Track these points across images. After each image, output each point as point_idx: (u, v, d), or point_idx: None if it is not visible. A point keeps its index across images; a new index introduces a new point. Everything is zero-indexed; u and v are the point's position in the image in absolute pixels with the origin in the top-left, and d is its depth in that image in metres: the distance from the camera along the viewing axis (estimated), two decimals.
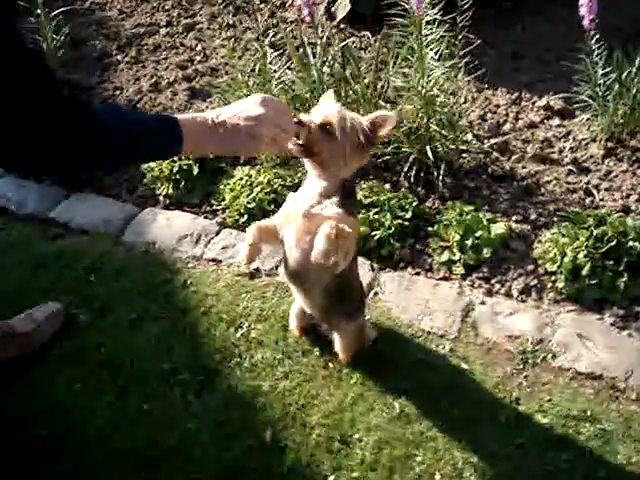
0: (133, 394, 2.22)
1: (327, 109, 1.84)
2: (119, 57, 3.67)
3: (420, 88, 2.58)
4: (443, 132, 2.70)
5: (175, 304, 2.49)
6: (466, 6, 2.50)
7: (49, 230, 2.78)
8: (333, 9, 3.73)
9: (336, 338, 2.23)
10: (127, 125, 1.54)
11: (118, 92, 3.43)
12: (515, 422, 2.12)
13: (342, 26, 3.70)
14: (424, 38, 2.49)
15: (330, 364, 2.28)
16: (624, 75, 2.80)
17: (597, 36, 2.67)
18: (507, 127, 3.09)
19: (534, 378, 2.23)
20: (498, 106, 3.21)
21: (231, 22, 3.81)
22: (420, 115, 2.70)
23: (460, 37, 2.59)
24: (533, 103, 3.21)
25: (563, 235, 2.50)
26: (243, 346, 2.34)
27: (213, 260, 2.63)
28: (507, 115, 3.16)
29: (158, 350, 2.34)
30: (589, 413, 2.11)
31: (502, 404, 2.17)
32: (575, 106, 2.96)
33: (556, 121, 3.10)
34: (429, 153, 2.70)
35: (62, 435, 2.12)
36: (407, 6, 2.43)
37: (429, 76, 2.56)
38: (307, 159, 1.88)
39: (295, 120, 1.77)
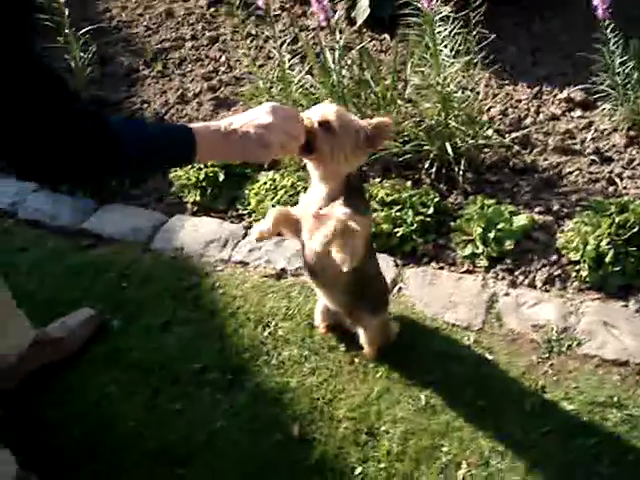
0: (165, 394, 2.28)
1: (325, 108, 1.89)
2: (146, 72, 3.78)
3: (437, 85, 2.60)
4: (463, 128, 2.71)
5: (203, 307, 2.55)
6: (478, 2, 2.53)
7: (81, 241, 2.87)
8: (353, 14, 3.78)
9: (361, 333, 2.27)
10: (140, 135, 1.60)
11: (145, 105, 3.52)
12: (541, 410, 2.12)
13: (363, 30, 3.74)
14: (437, 35, 2.52)
15: (356, 359, 2.31)
16: None
17: (613, 25, 2.66)
18: (528, 121, 3.10)
19: (560, 366, 2.23)
20: (519, 101, 3.22)
21: (253, 32, 3.88)
22: (439, 112, 2.73)
23: (475, 33, 2.61)
24: (554, 96, 3.21)
25: (585, 224, 2.50)
26: (270, 344, 2.39)
27: (240, 262, 2.69)
28: (528, 109, 3.17)
29: (188, 352, 2.40)
30: (616, 399, 2.11)
31: (528, 392, 2.17)
32: (596, 96, 2.95)
33: (578, 112, 3.10)
34: (449, 150, 2.72)
35: (96, 436, 2.19)
36: (419, 4, 2.46)
37: (445, 73, 2.59)
38: (308, 158, 1.92)
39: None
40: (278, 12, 4.09)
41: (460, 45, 2.62)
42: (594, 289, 2.41)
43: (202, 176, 2.92)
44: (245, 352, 2.38)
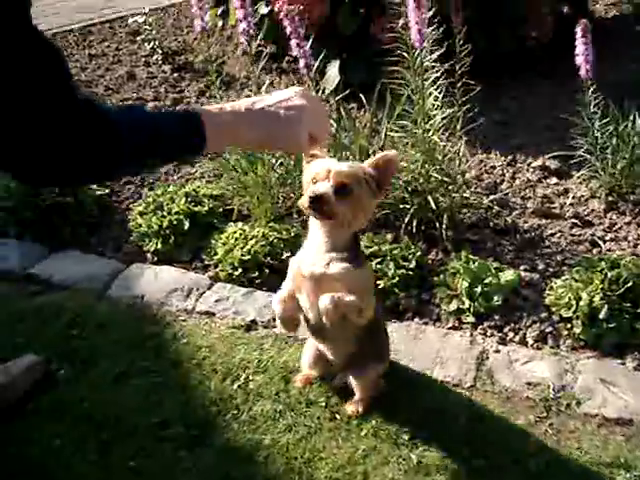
0: (118, 450, 1.98)
1: (332, 168, 1.75)
2: None
3: (421, 132, 2.52)
4: (447, 179, 2.62)
5: (164, 357, 2.28)
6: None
7: (28, 287, 2.59)
8: (321, 83, 3.74)
9: (355, 381, 2.06)
10: (140, 120, 1.41)
11: None
12: (546, 470, 1.92)
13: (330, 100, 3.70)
14: (424, 80, 2.46)
15: (337, 415, 2.08)
16: (621, 128, 2.80)
17: (593, 87, 2.67)
18: (504, 186, 3.05)
19: (560, 426, 2.05)
20: (494, 167, 3.19)
21: (219, 97, 3.78)
22: (420, 164, 2.63)
23: (459, 85, 2.57)
24: (529, 164, 3.18)
25: (576, 280, 2.39)
26: (240, 398, 2.13)
27: (206, 313, 2.46)
28: (503, 175, 3.13)
29: (146, 404, 2.11)
30: (622, 460, 1.92)
31: (529, 452, 1.97)
32: (572, 162, 2.93)
33: (554, 180, 3.08)
34: (432, 203, 2.61)
35: None
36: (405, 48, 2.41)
37: (429, 120, 2.51)
38: (325, 223, 1.80)
39: (311, 195, 1.72)
40: (244, 80, 4.03)
41: (445, 97, 2.55)
42: (588, 347, 2.28)
43: (165, 223, 2.71)
44: (212, 406, 2.11)
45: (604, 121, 2.76)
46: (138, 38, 4.59)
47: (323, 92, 3.64)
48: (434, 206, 2.61)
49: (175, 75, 4.11)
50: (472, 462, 1.93)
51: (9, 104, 1.18)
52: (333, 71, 3.71)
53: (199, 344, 2.32)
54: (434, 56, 2.46)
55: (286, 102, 1.50)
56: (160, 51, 4.29)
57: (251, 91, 3.73)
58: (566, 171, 3.09)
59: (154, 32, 4.42)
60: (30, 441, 2.00)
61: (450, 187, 2.69)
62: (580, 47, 2.58)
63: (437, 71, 2.49)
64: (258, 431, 2.04)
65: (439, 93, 2.55)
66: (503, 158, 3.23)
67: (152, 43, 4.38)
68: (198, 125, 1.42)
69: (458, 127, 2.65)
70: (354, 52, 3.63)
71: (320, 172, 1.76)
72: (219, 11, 4.36)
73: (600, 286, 2.31)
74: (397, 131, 2.69)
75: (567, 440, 2.01)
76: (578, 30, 2.56)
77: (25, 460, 1.95)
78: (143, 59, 4.31)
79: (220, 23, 4.37)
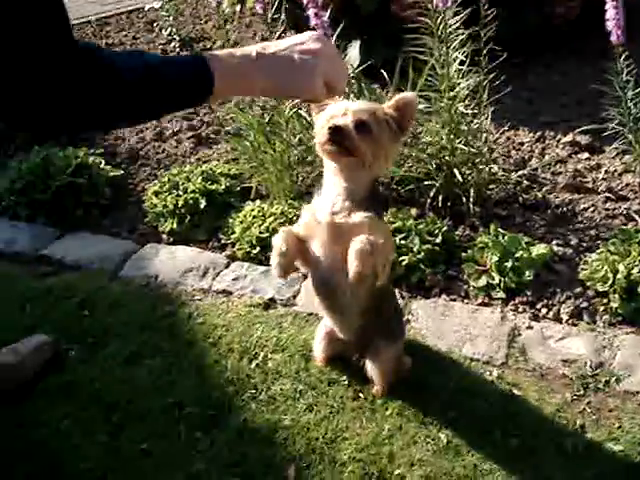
0: (129, 432, 1.88)
1: (353, 107, 1.65)
2: None
3: (446, 101, 2.40)
4: (473, 150, 2.49)
5: (179, 336, 2.19)
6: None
7: (39, 268, 2.51)
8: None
9: (371, 366, 1.94)
10: (138, 60, 1.30)
11: (120, 142, 3.25)
12: (584, 451, 1.79)
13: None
14: (448, 47, 2.34)
15: (361, 394, 1.97)
16: None
17: (626, 54, 2.53)
18: (534, 162, 2.91)
19: (598, 404, 1.91)
20: (522, 144, 3.05)
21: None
22: (445, 136, 2.51)
23: (485, 52, 2.44)
24: (558, 140, 3.04)
25: (612, 252, 2.25)
26: (258, 378, 2.03)
27: (223, 292, 2.35)
28: (532, 151, 2.99)
29: (159, 385, 2.02)
30: None
31: (566, 432, 1.84)
32: (604, 134, 2.77)
33: (585, 155, 2.93)
34: (458, 176, 2.48)
35: (44, 477, 1.77)
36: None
37: (454, 89, 2.39)
38: (343, 161, 1.67)
39: (330, 126, 1.60)
40: None
41: (469, 65, 2.43)
42: (627, 322, 2.14)
43: (181, 202, 2.61)
44: (229, 386, 2.01)
45: (637, 90, 2.61)
46: (155, 27, 4.52)
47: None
48: (460, 179, 2.48)
49: None
50: (505, 442, 1.81)
51: (6, 48, 1.10)
52: (354, 52, 3.57)
53: (215, 323, 2.21)
54: (457, 19, 2.33)
55: (300, 46, 1.39)
56: (178, 38, 4.21)
57: None
58: (598, 146, 2.94)
59: (172, 19, 4.35)
60: (38, 423, 1.91)
61: (477, 160, 2.56)
62: (610, 11, 2.43)
63: (461, 36, 2.37)
64: (277, 411, 1.93)
65: (464, 60, 2.42)
66: (531, 134, 3.09)
67: (169, 30, 4.30)
68: (205, 69, 1.32)
69: (485, 97, 2.52)
70: (374, 31, 3.50)
71: (338, 111, 1.65)
72: None
73: (638, 258, 2.17)
74: (420, 102, 2.56)
75: (606, 419, 1.87)
76: None
77: (32, 442, 1.87)
78: (161, 47, 4.23)
79: (238, 8, 4.28)
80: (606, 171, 2.82)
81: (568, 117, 3.17)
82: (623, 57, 2.53)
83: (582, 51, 3.72)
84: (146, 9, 4.85)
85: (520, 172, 2.76)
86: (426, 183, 2.61)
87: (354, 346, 1.96)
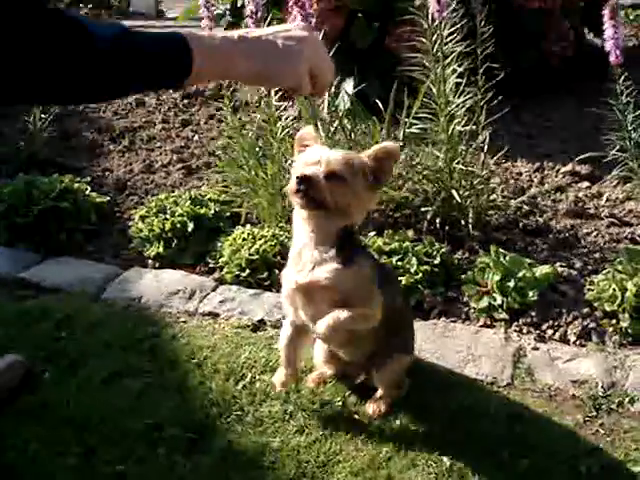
0: (103, 455, 1.72)
1: (324, 155, 1.59)
2: (111, 147, 3.46)
3: (443, 119, 2.33)
4: (473, 169, 2.42)
5: (161, 357, 2.04)
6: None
7: (16, 292, 2.37)
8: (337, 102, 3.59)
9: (377, 376, 1.82)
10: (116, 31, 1.22)
11: (107, 173, 3.17)
12: (600, 473, 1.64)
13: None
14: (444, 66, 2.28)
15: (356, 416, 1.82)
16: None
17: (625, 75, 2.48)
18: (533, 190, 2.83)
19: (612, 425, 1.78)
20: (520, 174, 2.98)
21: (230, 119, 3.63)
22: (442, 157, 2.43)
23: (481, 71, 2.39)
24: (557, 170, 2.98)
25: (619, 272, 2.14)
26: (245, 399, 1.88)
27: (209, 314, 2.22)
28: (531, 180, 2.92)
29: (138, 406, 1.86)
30: None
31: (579, 454, 1.70)
32: (605, 161, 2.69)
33: (585, 184, 2.86)
34: (456, 196, 2.39)
35: None
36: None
37: (449, 106, 2.33)
38: (314, 212, 1.61)
39: (298, 176, 1.56)
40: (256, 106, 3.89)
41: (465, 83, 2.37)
42: (638, 342, 2.02)
43: (168, 226, 2.51)
44: (213, 407, 1.86)
45: (638, 113, 2.55)
46: None
47: (336, 110, 3.49)
48: (459, 200, 2.39)
49: (185, 101, 3.98)
50: (514, 464, 1.66)
51: None
52: (348, 88, 3.55)
53: (200, 344, 2.08)
54: (450, 32, 2.29)
55: (285, 32, 1.31)
56: None
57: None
58: (598, 175, 2.88)
59: None
60: (4, 446, 1.74)
61: (475, 182, 2.48)
62: (609, 30, 2.40)
63: (458, 51, 2.32)
64: (265, 433, 1.77)
65: (461, 77, 2.37)
66: (530, 165, 3.03)
67: None
68: (184, 46, 1.23)
69: (482, 118, 2.45)
70: (369, 66, 3.48)
71: (311, 158, 1.59)
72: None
73: None
74: (415, 125, 2.50)
75: (622, 441, 1.73)
76: (606, 12, 2.39)
77: None
78: None
79: None
80: (607, 199, 2.74)
81: (566, 149, 3.12)
82: (622, 78, 2.49)
83: (579, 92, 3.71)
84: None
85: (519, 199, 2.68)
86: (423, 209, 2.52)
87: (361, 364, 1.84)
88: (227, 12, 4.09)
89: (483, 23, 2.39)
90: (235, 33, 1.30)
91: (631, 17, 5.41)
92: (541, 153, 3.13)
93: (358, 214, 1.67)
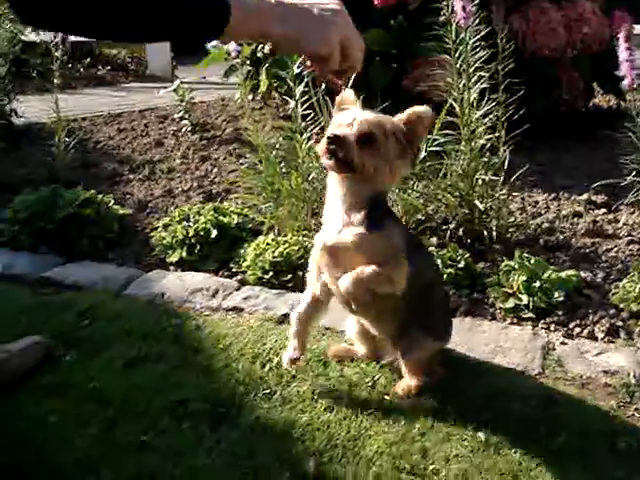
0: (126, 427, 1.67)
1: (358, 116, 1.60)
2: (130, 176, 3.51)
3: (466, 132, 2.38)
4: (493, 178, 2.45)
5: (185, 343, 2.01)
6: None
7: (39, 289, 2.36)
8: None
9: (403, 358, 1.78)
10: None
11: (128, 196, 3.20)
12: (639, 449, 1.59)
13: None
14: (469, 78, 2.36)
15: (386, 397, 1.78)
16: None
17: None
18: (550, 216, 2.86)
19: None
20: (537, 202, 3.01)
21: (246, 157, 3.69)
22: (466, 167, 2.47)
23: (503, 86, 2.47)
24: (573, 200, 3.01)
25: None
26: (272, 380, 1.84)
27: (233, 309, 2.21)
28: (548, 207, 2.95)
29: (162, 385, 1.82)
30: None
31: (617, 432, 1.66)
32: (620, 191, 2.73)
33: (602, 210, 2.89)
34: (479, 205, 2.42)
35: (27, 465, 1.55)
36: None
37: (472, 120, 2.39)
38: (345, 175, 1.62)
39: (329, 136, 1.57)
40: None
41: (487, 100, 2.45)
42: None
43: (192, 232, 2.52)
44: (239, 386, 1.82)
45: None
46: (167, 120, 4.62)
47: None
48: (481, 207, 2.42)
49: (204, 142, 4.07)
50: (551, 441, 1.62)
51: None
52: None
53: (225, 333, 2.05)
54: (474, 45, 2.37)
55: (321, 5, 1.38)
56: (189, 123, 4.29)
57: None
58: (614, 204, 2.91)
59: (183, 111, 4.44)
60: (23, 418, 1.70)
61: (497, 194, 2.51)
62: (623, 54, 2.47)
63: (480, 70, 2.40)
64: (294, 409, 1.74)
65: (482, 95, 2.45)
66: (546, 195, 3.07)
67: (181, 117, 4.38)
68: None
69: (503, 133, 2.51)
70: (387, 104, 3.58)
71: (345, 120, 1.59)
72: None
73: None
74: (437, 140, 2.55)
75: None
76: (621, 36, 2.46)
77: (13, 434, 1.64)
78: (172, 132, 4.30)
79: (250, 97, 4.40)
80: (624, 223, 2.76)
81: (582, 181, 3.16)
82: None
83: (591, 139, 3.80)
84: (159, 94, 5.01)
85: (539, 219, 2.71)
86: (445, 224, 2.55)
87: (390, 341, 1.80)
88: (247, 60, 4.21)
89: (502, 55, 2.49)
90: None
91: None
92: (557, 185, 3.17)
93: (389, 180, 1.66)
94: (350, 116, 1.60)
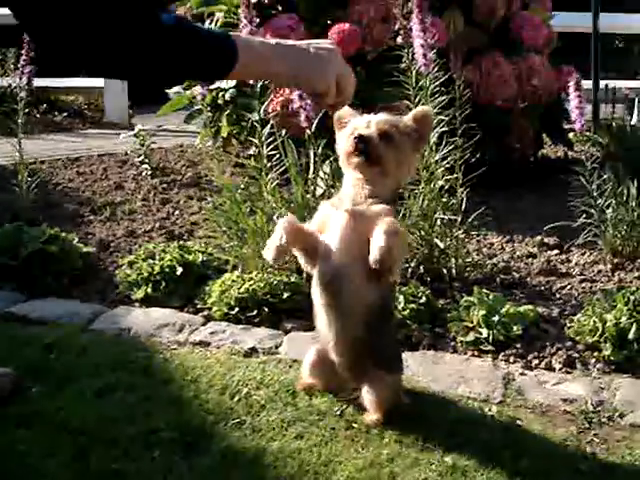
0: (96, 454, 1.67)
1: (372, 119, 1.76)
2: (91, 217, 3.52)
3: (424, 172, 2.49)
4: (452, 218, 2.55)
5: (154, 375, 2.02)
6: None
7: (4, 323, 2.34)
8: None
9: (367, 394, 1.81)
10: (176, 18, 1.40)
11: (90, 236, 3.21)
12: (601, 471, 1.67)
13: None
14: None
15: (354, 425, 1.81)
16: (618, 190, 2.81)
17: (591, 141, 2.72)
18: (506, 256, 2.97)
19: (606, 435, 1.81)
20: (492, 244, 3.13)
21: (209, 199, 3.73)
22: (424, 207, 2.57)
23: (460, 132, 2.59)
24: (527, 242, 3.13)
25: (598, 308, 2.25)
26: (242, 410, 1.86)
27: (200, 343, 2.23)
28: (503, 249, 3.07)
29: (133, 415, 1.82)
30: None
31: (578, 457, 1.72)
32: (576, 224, 2.87)
33: (555, 251, 3.01)
34: (439, 244, 2.52)
35: None
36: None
37: (430, 159, 2.50)
38: (367, 171, 1.74)
39: (355, 136, 1.70)
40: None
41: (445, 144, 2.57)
42: (621, 369, 2.09)
43: (157, 269, 2.54)
44: (210, 416, 1.84)
45: (603, 178, 2.77)
46: (127, 164, 4.64)
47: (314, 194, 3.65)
48: (442, 246, 2.51)
49: (164, 185, 4.10)
50: (516, 464, 1.67)
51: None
52: (327, 170, 3.72)
53: (193, 365, 2.07)
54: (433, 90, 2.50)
55: (316, 43, 1.55)
56: (149, 167, 4.32)
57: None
58: (566, 244, 3.04)
59: (143, 157, 4.47)
60: None
61: (456, 234, 2.61)
62: (574, 101, 2.65)
63: (439, 115, 2.52)
64: (264, 438, 1.76)
65: (440, 139, 2.57)
66: (501, 237, 3.19)
67: (141, 161, 4.40)
68: (232, 43, 1.44)
69: (460, 175, 2.63)
70: None
71: (361, 123, 1.74)
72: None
73: (625, 307, 2.18)
74: None
75: (617, 448, 1.76)
76: (571, 84, 2.64)
77: None
78: (132, 176, 4.32)
79: (210, 143, 4.46)
80: (576, 263, 2.89)
81: (534, 225, 3.29)
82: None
83: (542, 186, 3.95)
84: (120, 138, 5.03)
85: (494, 259, 2.82)
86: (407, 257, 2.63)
87: (348, 372, 1.84)
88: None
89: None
90: (272, 40, 1.53)
91: None
92: (511, 228, 3.30)
93: (404, 175, 1.86)
94: (364, 120, 1.75)
